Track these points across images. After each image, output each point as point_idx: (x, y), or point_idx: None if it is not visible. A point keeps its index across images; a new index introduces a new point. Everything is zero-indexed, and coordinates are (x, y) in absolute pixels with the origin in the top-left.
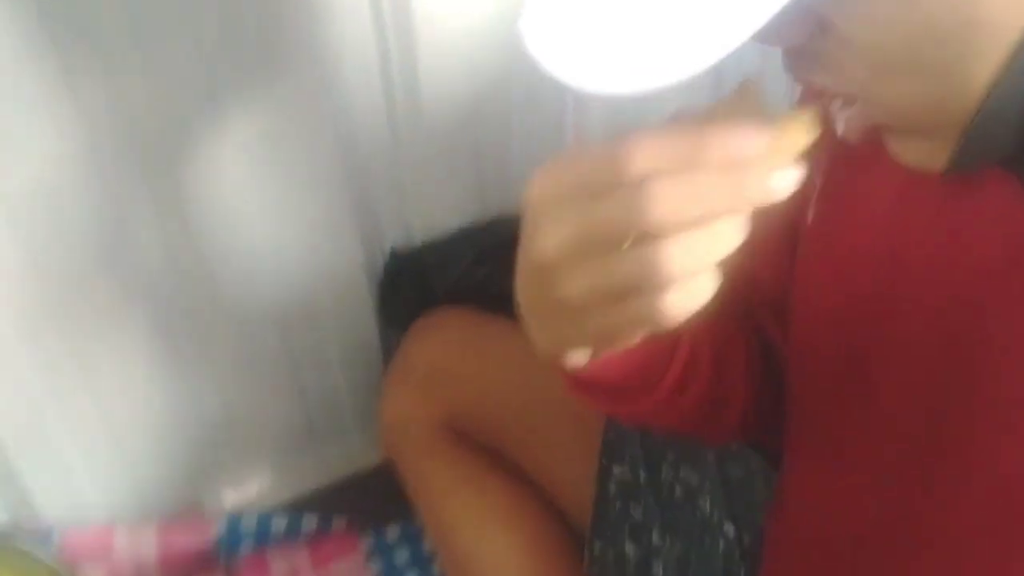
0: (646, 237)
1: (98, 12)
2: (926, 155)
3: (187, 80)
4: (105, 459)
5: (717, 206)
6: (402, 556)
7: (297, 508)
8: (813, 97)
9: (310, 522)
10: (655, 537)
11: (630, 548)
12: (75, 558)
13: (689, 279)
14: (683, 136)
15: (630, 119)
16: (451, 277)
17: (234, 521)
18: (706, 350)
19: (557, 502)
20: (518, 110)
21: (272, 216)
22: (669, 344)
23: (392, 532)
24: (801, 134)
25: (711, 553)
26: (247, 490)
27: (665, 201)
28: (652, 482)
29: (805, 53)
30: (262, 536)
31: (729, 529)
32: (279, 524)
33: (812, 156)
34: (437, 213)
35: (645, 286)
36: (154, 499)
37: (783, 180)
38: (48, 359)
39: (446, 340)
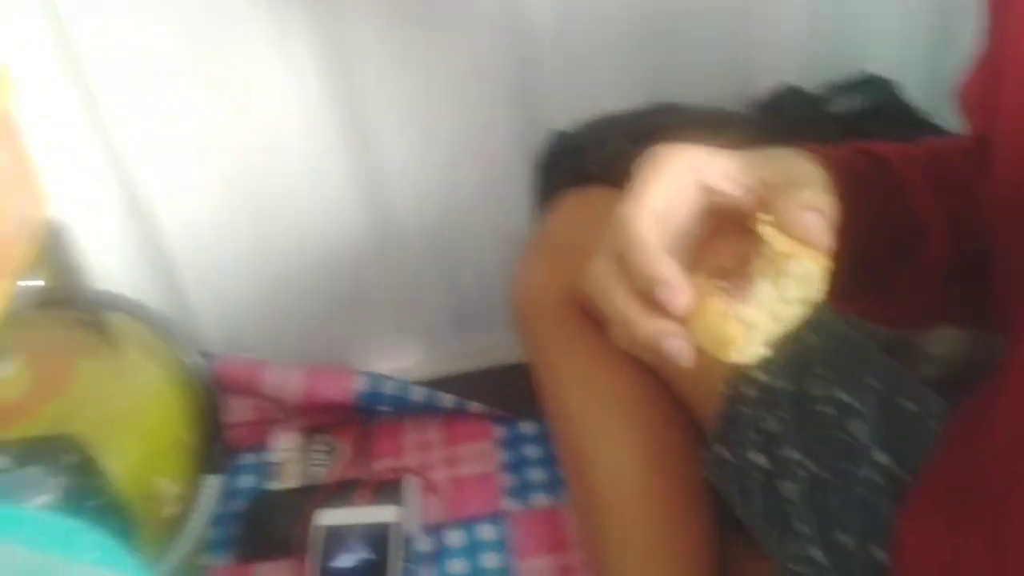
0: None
1: None
2: None
3: None
4: (267, 298)
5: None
6: (532, 451)
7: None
8: None
9: (448, 401)
10: (788, 451)
11: (757, 457)
12: (223, 386)
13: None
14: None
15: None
16: (605, 158)
17: (377, 381)
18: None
19: (680, 394)
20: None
21: (432, 96)
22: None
23: (526, 427)
24: (731, 326)
25: (852, 479)
26: (393, 364)
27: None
28: (794, 393)
29: None
30: (400, 402)
31: (880, 457)
32: (418, 394)
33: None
34: (602, 99)
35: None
36: (304, 350)
37: (672, 347)
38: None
39: (585, 215)
